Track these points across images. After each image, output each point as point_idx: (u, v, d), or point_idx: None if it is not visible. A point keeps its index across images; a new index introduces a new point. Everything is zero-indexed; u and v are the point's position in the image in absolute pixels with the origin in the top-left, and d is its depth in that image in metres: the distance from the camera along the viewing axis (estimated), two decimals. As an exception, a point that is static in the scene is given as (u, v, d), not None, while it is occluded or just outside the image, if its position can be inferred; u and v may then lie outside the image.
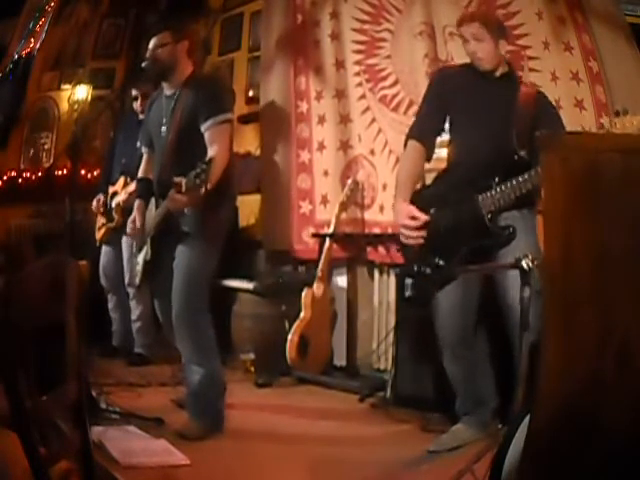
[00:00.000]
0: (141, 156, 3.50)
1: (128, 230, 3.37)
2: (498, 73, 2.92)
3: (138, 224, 3.29)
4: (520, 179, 2.69)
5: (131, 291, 4.47)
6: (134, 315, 4.51)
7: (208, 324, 3.14)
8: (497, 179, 2.76)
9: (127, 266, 4.37)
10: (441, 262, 2.83)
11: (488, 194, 2.78)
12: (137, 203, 3.36)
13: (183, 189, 2.82)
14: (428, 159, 3.04)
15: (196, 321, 3.10)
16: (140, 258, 3.30)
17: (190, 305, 3.08)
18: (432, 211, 2.90)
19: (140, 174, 3.45)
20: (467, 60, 2.99)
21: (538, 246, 2.65)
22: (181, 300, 3.08)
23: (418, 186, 3.09)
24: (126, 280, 4.42)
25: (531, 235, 2.77)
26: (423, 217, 2.88)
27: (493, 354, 3.03)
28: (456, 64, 3.16)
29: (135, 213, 3.33)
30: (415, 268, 2.89)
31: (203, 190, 2.79)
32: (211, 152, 2.95)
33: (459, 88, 2.97)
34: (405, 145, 3.05)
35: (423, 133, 3.01)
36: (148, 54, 3.18)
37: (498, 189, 2.76)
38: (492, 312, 2.89)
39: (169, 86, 3.21)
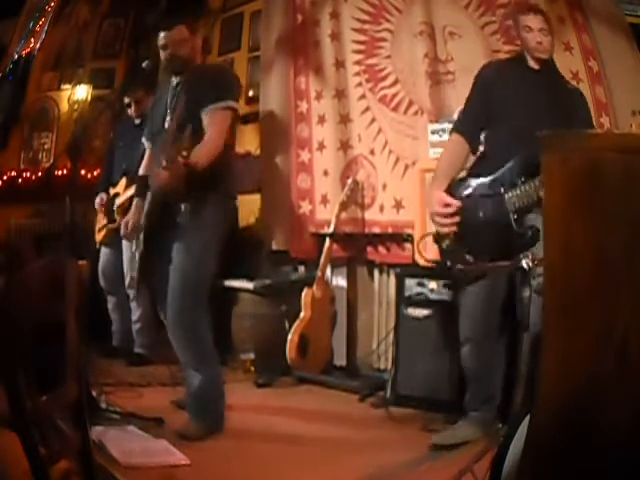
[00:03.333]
0: (143, 154, 3.44)
1: (122, 231, 3.32)
2: (544, 66, 2.90)
3: (132, 224, 3.24)
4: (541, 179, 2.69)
5: (131, 292, 4.46)
6: (134, 316, 4.51)
7: (206, 327, 3.11)
8: (523, 178, 2.75)
9: (127, 267, 4.36)
10: (470, 258, 2.81)
11: (514, 193, 2.76)
12: (136, 201, 3.32)
13: (164, 164, 2.77)
14: (473, 152, 3.03)
15: (194, 324, 3.07)
16: (137, 256, 3.28)
17: (187, 309, 3.05)
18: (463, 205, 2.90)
19: (141, 171, 3.41)
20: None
21: None
22: (178, 304, 3.05)
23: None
24: (126, 281, 4.41)
25: None
26: (456, 203, 2.87)
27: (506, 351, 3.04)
28: (503, 58, 3.16)
29: (132, 212, 3.28)
30: (447, 263, 2.89)
31: (183, 164, 2.71)
32: (205, 135, 2.88)
33: (504, 82, 2.95)
34: (450, 137, 3.06)
35: (467, 126, 3.01)
36: (166, 51, 3.11)
37: (523, 188, 2.73)
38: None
39: (176, 77, 3.17)
